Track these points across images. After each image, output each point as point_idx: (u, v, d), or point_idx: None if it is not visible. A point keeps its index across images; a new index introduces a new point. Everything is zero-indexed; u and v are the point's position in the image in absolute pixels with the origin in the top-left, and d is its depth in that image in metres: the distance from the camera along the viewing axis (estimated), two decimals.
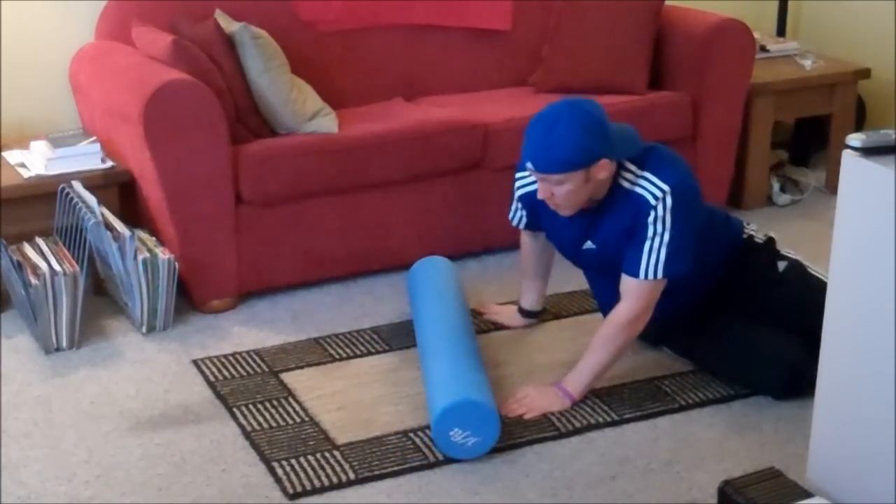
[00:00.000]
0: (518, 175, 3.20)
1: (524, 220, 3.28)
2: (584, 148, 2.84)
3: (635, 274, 2.94)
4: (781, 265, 3.23)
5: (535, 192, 3.03)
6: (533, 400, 3.03)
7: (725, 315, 3.18)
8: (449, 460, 2.82)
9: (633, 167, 2.95)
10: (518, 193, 3.22)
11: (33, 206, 3.57)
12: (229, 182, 3.50)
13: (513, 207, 3.28)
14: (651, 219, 2.90)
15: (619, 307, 2.99)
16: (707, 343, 3.18)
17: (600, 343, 3.01)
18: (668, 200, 2.89)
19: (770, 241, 3.27)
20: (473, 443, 2.81)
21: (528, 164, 2.95)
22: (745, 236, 3.25)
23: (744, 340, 3.12)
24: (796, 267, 3.24)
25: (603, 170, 2.88)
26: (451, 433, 2.79)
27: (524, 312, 3.47)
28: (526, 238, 3.37)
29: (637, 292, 2.96)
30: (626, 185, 2.95)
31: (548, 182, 2.91)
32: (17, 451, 2.88)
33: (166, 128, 3.39)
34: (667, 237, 2.90)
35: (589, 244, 3.07)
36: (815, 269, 3.23)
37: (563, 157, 2.84)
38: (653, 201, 2.90)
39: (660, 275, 2.92)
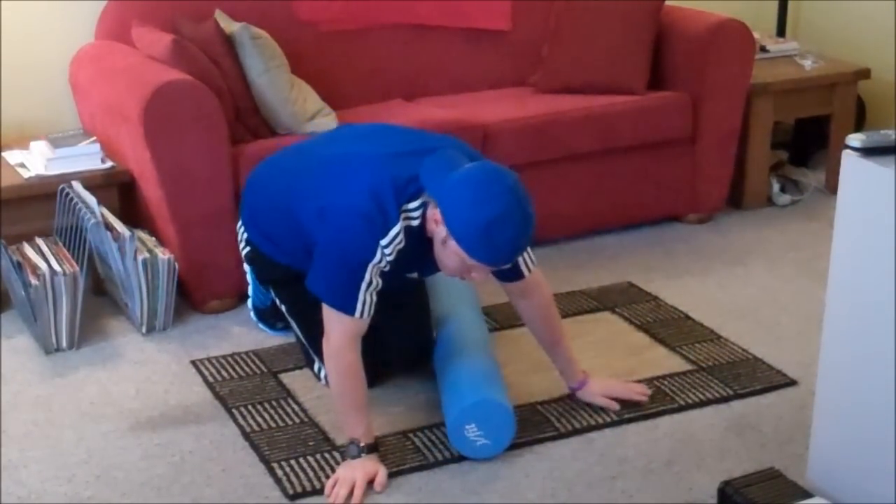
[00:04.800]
0: (382, 243, 2.66)
1: (371, 306, 2.73)
2: None
3: (524, 275, 2.90)
4: None
5: (403, 251, 2.71)
6: (621, 384, 3.11)
7: None
8: (448, 460, 2.83)
9: None
10: (387, 259, 2.69)
11: (33, 206, 3.57)
12: (229, 182, 3.50)
13: (363, 295, 2.69)
14: None
15: (544, 295, 2.99)
16: None
17: (561, 327, 3.05)
18: None
19: None
20: (482, 444, 2.81)
21: (492, 265, 2.66)
22: None
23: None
24: None
25: None
26: (468, 427, 2.78)
27: (372, 447, 2.78)
28: (350, 355, 2.74)
29: (540, 279, 2.97)
30: None
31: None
32: (17, 451, 2.88)
33: (166, 128, 3.39)
34: None
35: (415, 274, 2.97)
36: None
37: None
38: None
39: (535, 260, 2.93)
